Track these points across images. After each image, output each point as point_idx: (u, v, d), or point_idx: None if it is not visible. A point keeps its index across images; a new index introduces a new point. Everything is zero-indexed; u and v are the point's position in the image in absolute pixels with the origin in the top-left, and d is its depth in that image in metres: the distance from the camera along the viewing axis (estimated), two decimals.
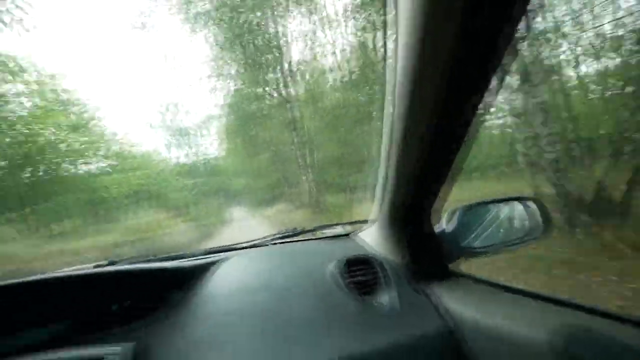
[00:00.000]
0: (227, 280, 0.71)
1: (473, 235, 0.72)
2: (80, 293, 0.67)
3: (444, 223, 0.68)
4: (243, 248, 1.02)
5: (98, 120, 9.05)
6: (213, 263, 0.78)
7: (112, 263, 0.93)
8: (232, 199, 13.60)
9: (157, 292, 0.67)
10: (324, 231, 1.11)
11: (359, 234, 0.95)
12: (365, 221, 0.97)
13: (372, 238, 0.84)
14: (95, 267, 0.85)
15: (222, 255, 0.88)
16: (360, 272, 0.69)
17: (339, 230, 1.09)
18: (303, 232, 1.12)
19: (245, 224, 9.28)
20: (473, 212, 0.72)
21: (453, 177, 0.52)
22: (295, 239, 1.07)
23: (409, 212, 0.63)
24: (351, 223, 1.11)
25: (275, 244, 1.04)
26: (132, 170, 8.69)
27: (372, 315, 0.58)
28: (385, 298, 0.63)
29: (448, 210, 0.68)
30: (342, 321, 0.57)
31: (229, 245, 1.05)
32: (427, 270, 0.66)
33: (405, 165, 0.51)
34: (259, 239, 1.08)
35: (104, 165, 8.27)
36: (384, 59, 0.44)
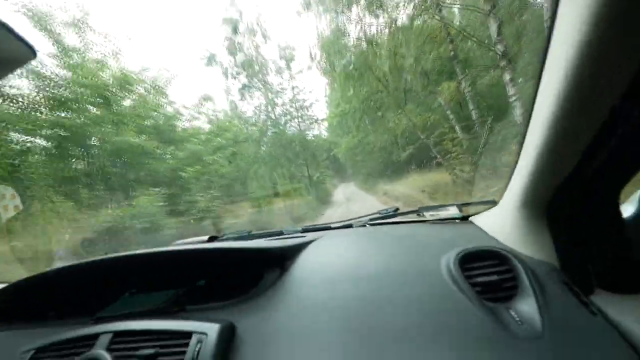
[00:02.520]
0: (323, 262, 0.69)
1: None
2: (179, 269, 0.71)
3: (626, 210, 0.48)
4: (339, 227, 1.00)
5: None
6: (309, 242, 0.76)
7: (212, 239, 0.99)
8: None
9: (253, 271, 0.68)
10: (431, 213, 1.00)
11: (480, 218, 0.82)
12: (488, 202, 0.82)
13: (498, 226, 0.71)
14: (196, 242, 0.91)
15: (319, 234, 0.86)
16: (487, 270, 0.55)
17: (451, 212, 0.96)
18: (404, 212, 1.04)
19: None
20: None
21: None
22: (396, 219, 1.00)
23: (571, 193, 0.46)
24: (467, 204, 0.96)
25: (373, 224, 0.99)
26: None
27: (508, 333, 0.43)
28: (530, 311, 0.47)
29: (636, 194, 0.44)
30: (462, 334, 0.44)
31: (325, 224, 1.05)
32: (598, 277, 0.48)
33: (570, 127, 0.38)
34: (355, 219, 1.05)
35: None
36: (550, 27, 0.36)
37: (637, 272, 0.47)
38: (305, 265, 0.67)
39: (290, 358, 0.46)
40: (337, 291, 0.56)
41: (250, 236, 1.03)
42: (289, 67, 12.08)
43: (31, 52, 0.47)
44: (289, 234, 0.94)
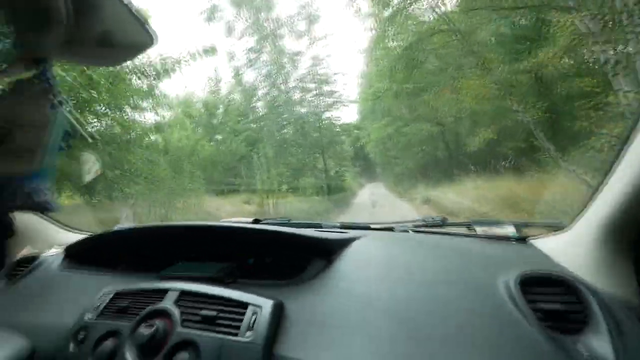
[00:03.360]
0: (369, 260, 0.70)
1: None
2: (231, 244, 0.81)
3: None
4: (381, 229, 1.01)
5: None
6: (353, 239, 0.78)
7: (256, 221, 1.05)
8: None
9: (300, 258, 0.72)
10: (484, 228, 0.90)
11: (542, 241, 0.76)
12: (554, 225, 0.77)
13: (564, 252, 0.66)
14: (243, 223, 0.98)
15: (360, 232, 0.88)
16: (551, 298, 0.52)
17: (508, 230, 0.86)
18: (452, 224, 0.99)
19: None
20: None
21: None
22: (443, 230, 0.96)
23: None
24: (528, 224, 0.87)
25: (418, 231, 0.97)
26: None
27: None
28: (603, 347, 0.44)
29: None
30: (518, 356, 0.43)
31: (364, 223, 1.07)
32: None
33: None
34: (396, 222, 1.04)
35: None
36: None
37: None
38: (350, 261, 0.69)
39: (335, 342, 0.48)
40: (384, 291, 0.57)
41: (290, 224, 1.06)
42: (309, 29, 10.42)
43: (152, 39, 0.51)
44: (328, 228, 0.96)
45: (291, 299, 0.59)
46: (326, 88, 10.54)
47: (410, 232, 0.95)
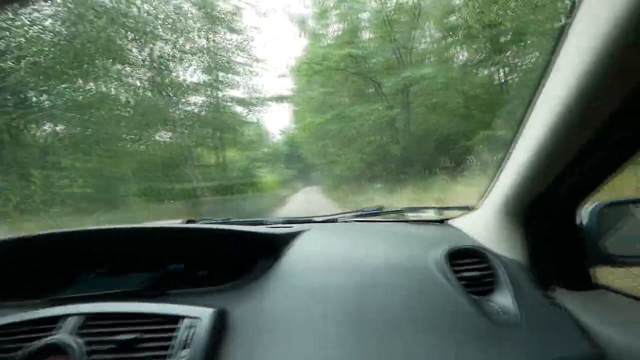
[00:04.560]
0: (313, 253, 0.76)
1: (618, 240, 0.66)
2: (163, 247, 0.73)
3: (583, 219, 0.66)
4: (323, 222, 1.09)
5: None
6: (297, 233, 0.84)
7: (190, 222, 0.99)
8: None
9: (244, 256, 0.72)
10: (414, 214, 1.11)
11: (457, 221, 0.96)
12: (464, 208, 0.97)
13: (474, 228, 0.85)
14: (184, 223, 0.94)
15: (303, 226, 0.94)
16: (469, 267, 0.68)
17: (431, 214, 1.10)
18: (388, 212, 1.14)
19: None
20: (618, 210, 0.67)
21: (615, 168, 0.52)
22: (379, 218, 1.10)
23: (540, 203, 0.62)
24: (446, 208, 1.09)
25: (358, 221, 1.08)
26: None
27: (491, 322, 0.55)
28: (508, 303, 0.59)
29: (588, 204, 0.65)
30: (452, 324, 0.55)
31: (307, 217, 1.14)
32: (560, 275, 0.64)
33: (552, 151, 0.51)
34: (339, 214, 1.14)
35: None
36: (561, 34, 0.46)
37: (585, 272, 0.63)
38: (298, 254, 0.74)
39: (286, 345, 0.52)
40: (331, 280, 0.64)
41: (230, 222, 1.02)
42: None
43: None
44: (271, 224, 0.98)
45: (235, 304, 0.59)
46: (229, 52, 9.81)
47: (351, 221, 1.09)
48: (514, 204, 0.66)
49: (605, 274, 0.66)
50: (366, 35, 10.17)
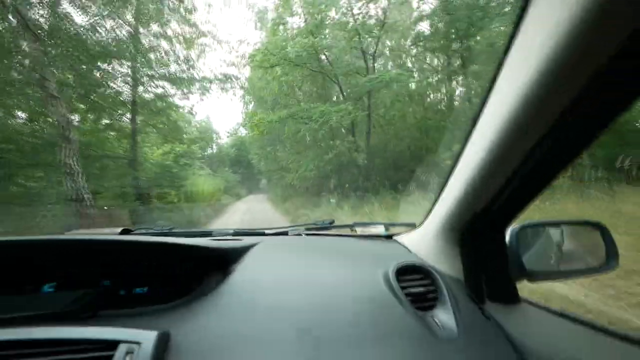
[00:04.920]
0: (267, 267, 0.78)
1: (534, 257, 0.78)
2: (95, 261, 0.66)
3: (507, 239, 0.75)
4: (274, 234, 1.11)
5: None
6: (248, 247, 0.84)
7: (126, 232, 0.92)
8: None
9: (189, 272, 0.69)
10: (363, 229, 1.15)
11: (403, 237, 1.02)
12: (409, 224, 1.03)
13: (418, 245, 0.92)
14: (119, 233, 0.87)
15: (253, 239, 0.93)
16: (415, 283, 0.74)
17: (379, 229, 1.13)
18: (338, 226, 1.18)
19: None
20: (535, 231, 0.80)
21: (538, 192, 0.58)
22: (329, 232, 1.13)
23: (475, 222, 0.69)
24: (392, 224, 1.14)
25: (309, 234, 1.11)
26: None
27: (433, 337, 0.60)
28: (446, 317, 0.64)
29: (512, 225, 0.75)
30: (397, 338, 0.58)
31: (257, 229, 1.13)
32: (491, 290, 0.71)
33: (487, 173, 0.57)
34: (289, 227, 1.14)
35: None
36: (503, 56, 0.48)
37: (511, 288, 0.71)
38: (248, 270, 0.74)
39: None
40: (282, 297, 0.66)
41: (172, 234, 0.99)
42: None
43: None
44: (220, 236, 0.96)
45: (179, 325, 0.56)
46: None
47: (303, 235, 1.10)
48: (453, 222, 0.73)
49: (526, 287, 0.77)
50: (331, 33, 9.42)
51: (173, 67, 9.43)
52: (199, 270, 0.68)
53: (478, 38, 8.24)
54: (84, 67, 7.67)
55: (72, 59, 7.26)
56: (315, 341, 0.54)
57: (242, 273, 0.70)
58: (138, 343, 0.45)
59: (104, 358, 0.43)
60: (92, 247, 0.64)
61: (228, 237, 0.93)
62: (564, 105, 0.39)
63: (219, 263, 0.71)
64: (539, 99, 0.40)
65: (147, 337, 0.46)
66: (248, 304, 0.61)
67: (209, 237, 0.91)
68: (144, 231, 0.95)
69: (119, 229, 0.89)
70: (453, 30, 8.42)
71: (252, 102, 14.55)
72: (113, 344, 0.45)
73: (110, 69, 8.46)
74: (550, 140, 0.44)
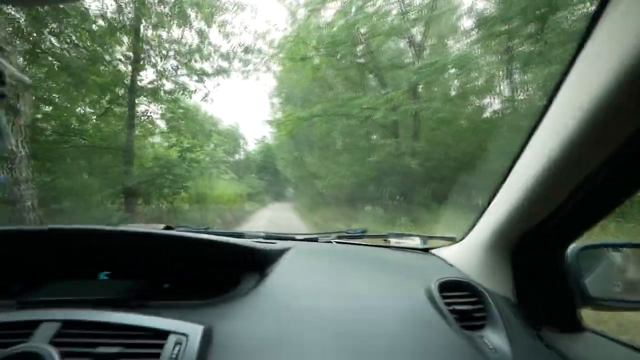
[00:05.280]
0: (300, 273, 0.78)
1: (596, 282, 0.70)
2: (143, 254, 0.71)
3: (567, 260, 0.70)
4: (306, 240, 1.09)
5: None
6: (282, 250, 0.86)
7: (168, 229, 0.94)
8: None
9: (229, 270, 0.72)
10: (397, 240, 1.08)
11: (442, 251, 0.97)
12: (449, 238, 0.98)
13: (461, 260, 0.86)
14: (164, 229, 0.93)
15: (286, 243, 0.95)
16: (460, 300, 0.70)
17: (415, 242, 1.06)
18: (370, 236, 1.13)
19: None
20: (598, 252, 0.74)
21: (609, 209, 0.55)
22: (363, 241, 1.09)
23: (529, 238, 0.65)
24: (430, 237, 1.08)
25: (339, 242, 1.07)
26: None
27: (484, 358, 0.57)
28: (498, 339, 0.60)
29: (571, 245, 0.69)
30: (444, 356, 0.56)
31: (288, 234, 1.11)
32: (549, 315, 0.67)
33: (548, 184, 0.53)
34: (319, 233, 1.12)
35: None
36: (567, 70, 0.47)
37: (574, 315, 0.67)
38: (285, 273, 0.76)
39: None
40: (320, 303, 0.66)
41: (211, 232, 0.99)
42: None
43: None
44: (252, 238, 0.98)
45: (222, 321, 0.58)
46: None
47: (334, 242, 1.08)
48: (503, 236, 0.71)
49: (590, 315, 0.75)
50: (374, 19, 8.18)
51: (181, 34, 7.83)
52: (238, 269, 0.71)
53: (560, 16, 6.12)
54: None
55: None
56: (355, 350, 0.54)
57: (279, 276, 0.72)
58: (186, 335, 0.48)
59: (156, 346, 0.46)
60: (144, 240, 0.67)
61: (261, 240, 0.97)
62: None
63: (256, 264, 0.74)
64: (618, 101, 0.38)
65: (194, 331, 0.49)
66: (287, 307, 0.62)
67: (242, 238, 0.95)
68: (183, 229, 0.98)
69: (162, 226, 0.90)
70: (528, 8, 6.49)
71: (281, 100, 13.70)
72: (164, 334, 0.48)
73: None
74: (626, 152, 0.42)
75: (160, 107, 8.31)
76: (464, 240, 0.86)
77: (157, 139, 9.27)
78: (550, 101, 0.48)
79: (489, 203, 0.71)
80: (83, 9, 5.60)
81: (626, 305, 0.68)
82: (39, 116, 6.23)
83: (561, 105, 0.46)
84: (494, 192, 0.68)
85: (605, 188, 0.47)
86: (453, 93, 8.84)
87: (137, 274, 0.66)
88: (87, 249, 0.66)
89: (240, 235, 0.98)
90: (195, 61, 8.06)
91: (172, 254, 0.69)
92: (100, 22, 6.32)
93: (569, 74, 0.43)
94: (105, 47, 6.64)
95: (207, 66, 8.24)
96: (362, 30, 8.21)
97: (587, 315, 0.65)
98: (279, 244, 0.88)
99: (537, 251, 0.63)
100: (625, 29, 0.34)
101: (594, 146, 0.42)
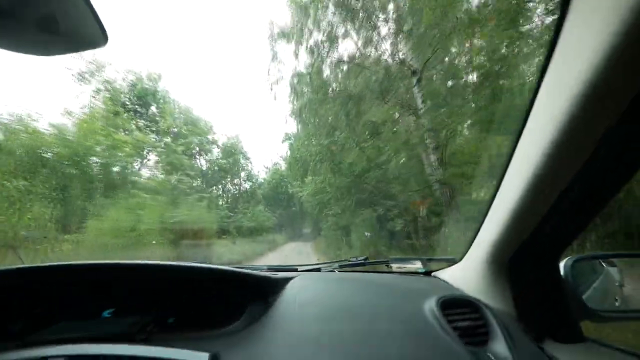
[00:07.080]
0: (305, 301, 0.79)
1: (592, 293, 0.73)
2: (148, 286, 0.73)
3: (562, 272, 0.73)
4: (308, 270, 1.13)
5: None
6: (286, 279, 0.89)
7: None
8: None
9: (234, 301, 0.74)
10: (399, 265, 1.11)
11: (444, 273, 1.00)
12: (449, 260, 1.00)
13: (462, 279, 0.90)
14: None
15: (290, 274, 0.99)
16: (462, 316, 0.72)
17: (417, 266, 1.09)
18: (372, 262, 1.16)
19: None
20: (591, 264, 0.73)
21: (592, 216, 0.57)
22: (365, 268, 1.12)
23: (523, 252, 0.68)
24: (430, 260, 1.10)
25: (342, 271, 1.10)
26: None
27: None
28: (505, 355, 0.62)
29: (565, 258, 0.75)
30: None
31: (291, 265, 1.14)
32: (550, 327, 0.68)
33: (533, 197, 0.56)
34: (322, 264, 1.16)
35: None
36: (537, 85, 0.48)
37: (574, 326, 0.69)
38: (290, 302, 0.78)
39: None
40: (326, 329, 0.68)
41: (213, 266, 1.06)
42: None
43: (104, 39, 0.46)
44: (256, 270, 0.98)
45: (228, 350, 0.60)
46: None
47: (336, 271, 1.12)
48: (499, 251, 0.74)
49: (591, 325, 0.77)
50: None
51: None
52: (243, 299, 0.72)
53: None
54: None
55: None
56: None
57: (284, 304, 0.74)
58: None
59: None
60: (148, 271, 0.68)
61: (264, 272, 0.99)
62: (616, 117, 0.38)
63: (260, 293, 0.76)
64: (589, 110, 0.39)
65: (199, 358, 0.51)
66: (293, 334, 0.64)
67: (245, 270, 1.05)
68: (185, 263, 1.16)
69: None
70: None
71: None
72: None
73: None
74: (601, 157, 0.44)
75: None
76: (463, 260, 0.90)
77: None
78: (525, 118, 0.49)
79: (483, 219, 0.73)
80: None
81: (626, 315, 0.68)
82: None
83: (539, 113, 0.47)
84: (486, 209, 0.71)
85: (582, 199, 0.49)
86: None
87: (141, 309, 0.67)
88: (89, 286, 0.67)
89: (242, 269, 1.02)
90: None
91: (177, 285, 0.71)
92: None
93: (539, 90, 0.44)
94: None
95: None
96: None
97: (587, 323, 0.69)
98: (282, 275, 0.91)
99: (532, 265, 0.66)
100: (589, 33, 0.34)
101: (572, 154, 0.42)
